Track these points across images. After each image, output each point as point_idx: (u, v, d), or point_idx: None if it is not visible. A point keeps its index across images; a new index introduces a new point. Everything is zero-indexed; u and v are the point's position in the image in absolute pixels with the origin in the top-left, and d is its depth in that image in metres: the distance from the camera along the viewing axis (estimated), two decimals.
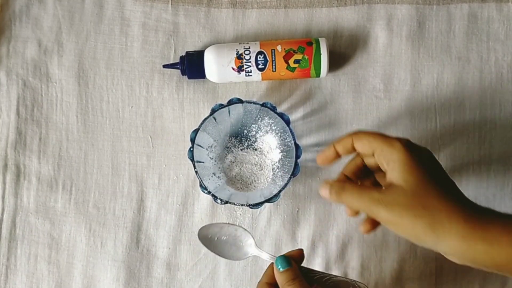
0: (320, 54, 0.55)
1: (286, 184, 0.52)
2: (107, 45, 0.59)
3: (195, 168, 0.52)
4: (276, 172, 0.56)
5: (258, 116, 0.55)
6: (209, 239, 0.50)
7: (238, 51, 0.55)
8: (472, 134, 0.57)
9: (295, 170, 0.52)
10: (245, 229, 0.49)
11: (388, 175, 0.41)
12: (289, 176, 0.52)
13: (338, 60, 0.58)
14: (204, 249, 0.57)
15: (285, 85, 0.58)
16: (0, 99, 0.59)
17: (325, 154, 0.46)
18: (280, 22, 0.59)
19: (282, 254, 0.45)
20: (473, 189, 0.57)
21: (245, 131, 0.57)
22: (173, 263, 0.58)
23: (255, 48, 0.55)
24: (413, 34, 0.58)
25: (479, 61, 0.58)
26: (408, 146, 0.41)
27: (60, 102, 0.59)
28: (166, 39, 0.59)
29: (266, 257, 0.47)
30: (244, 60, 0.55)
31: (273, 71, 0.55)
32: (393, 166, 0.41)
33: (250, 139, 0.57)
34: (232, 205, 0.56)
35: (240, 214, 0.58)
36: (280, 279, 0.44)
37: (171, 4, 0.59)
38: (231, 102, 0.53)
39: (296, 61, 0.55)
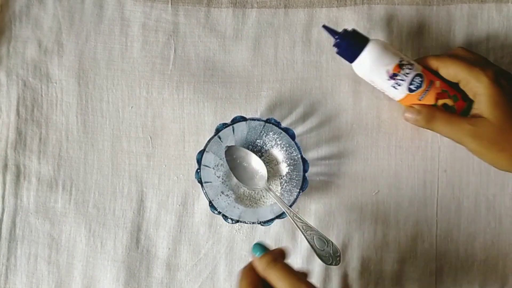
0: (467, 114, 0.51)
1: (295, 199, 0.52)
2: (107, 45, 0.59)
3: (203, 189, 0.52)
4: (284, 187, 0.56)
5: (263, 131, 0.55)
6: (233, 159, 0.54)
7: (403, 60, 0.51)
8: None
9: (304, 185, 0.52)
10: (264, 166, 0.54)
11: (476, 107, 0.48)
12: (298, 190, 0.52)
13: (338, 61, 0.58)
14: (204, 250, 0.58)
15: (287, 94, 0.58)
16: (0, 99, 0.59)
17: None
18: (280, 21, 0.59)
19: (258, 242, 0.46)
20: (473, 189, 0.57)
21: (250, 147, 0.57)
22: (173, 263, 0.58)
23: (417, 68, 0.51)
24: (413, 35, 0.58)
25: None
26: (495, 81, 0.46)
27: (60, 102, 0.59)
28: (166, 39, 0.59)
29: (271, 195, 0.52)
30: (402, 71, 0.51)
31: (419, 99, 0.51)
32: (479, 99, 0.47)
33: (256, 155, 0.57)
34: None
35: None
36: (259, 265, 0.44)
37: (171, 4, 0.59)
38: (235, 121, 0.53)
39: (445, 106, 0.51)
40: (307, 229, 0.50)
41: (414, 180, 0.57)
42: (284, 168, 0.56)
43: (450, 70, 0.49)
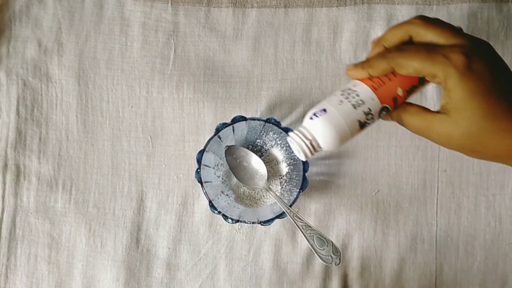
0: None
1: (295, 199, 0.52)
2: (107, 45, 0.59)
3: (203, 189, 0.52)
4: (284, 186, 0.56)
5: (263, 131, 0.55)
6: (233, 158, 0.54)
7: (361, 122, 0.40)
8: None
9: (304, 185, 0.52)
10: (264, 166, 0.54)
11: (446, 99, 0.38)
12: (298, 190, 0.52)
13: (338, 60, 0.58)
14: (204, 249, 0.58)
15: (287, 94, 0.58)
16: (0, 99, 0.59)
17: (356, 73, 0.41)
18: (280, 21, 0.59)
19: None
20: (473, 189, 0.57)
21: (250, 147, 0.57)
22: (173, 263, 0.58)
23: (375, 107, 0.40)
24: None
25: None
26: (467, 69, 0.36)
27: (60, 102, 0.59)
28: (166, 39, 0.59)
29: (271, 194, 0.52)
30: (368, 125, 0.41)
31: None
32: (447, 93, 0.38)
33: (256, 154, 0.57)
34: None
35: None
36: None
37: (171, 4, 0.59)
38: (235, 120, 0.53)
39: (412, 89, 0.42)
40: (307, 229, 0.50)
41: (414, 180, 0.57)
42: (284, 168, 0.56)
43: (410, 70, 0.38)
